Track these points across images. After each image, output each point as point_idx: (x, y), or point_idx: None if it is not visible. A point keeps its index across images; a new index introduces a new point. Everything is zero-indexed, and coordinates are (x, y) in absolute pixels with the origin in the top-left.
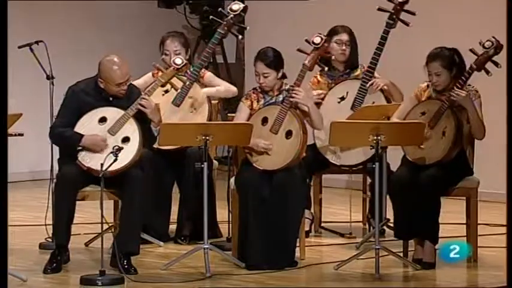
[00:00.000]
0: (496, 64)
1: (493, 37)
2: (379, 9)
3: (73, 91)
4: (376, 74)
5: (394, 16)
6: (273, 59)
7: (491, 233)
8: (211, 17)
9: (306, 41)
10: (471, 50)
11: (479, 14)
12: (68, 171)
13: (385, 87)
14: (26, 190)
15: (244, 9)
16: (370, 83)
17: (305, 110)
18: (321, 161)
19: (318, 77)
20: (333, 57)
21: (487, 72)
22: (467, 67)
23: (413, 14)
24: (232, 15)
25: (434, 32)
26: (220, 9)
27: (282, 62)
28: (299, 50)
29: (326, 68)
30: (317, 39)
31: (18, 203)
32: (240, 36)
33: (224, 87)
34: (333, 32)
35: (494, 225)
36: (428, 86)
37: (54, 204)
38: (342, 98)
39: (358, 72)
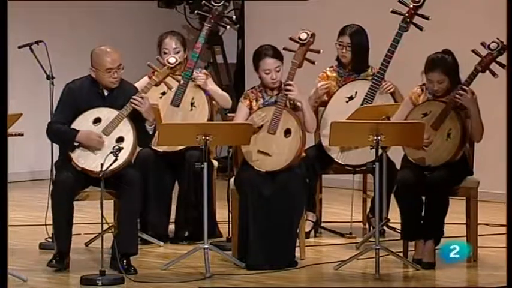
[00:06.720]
0: (502, 65)
1: (497, 38)
2: (393, 12)
3: (69, 88)
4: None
5: (408, 20)
6: (279, 53)
7: (491, 233)
8: (196, 11)
9: (291, 39)
10: (474, 51)
11: (484, 14)
12: (63, 178)
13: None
14: (26, 190)
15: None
16: (382, 85)
17: (298, 107)
18: (325, 159)
19: (328, 72)
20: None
21: (493, 74)
22: (472, 68)
23: (427, 18)
24: (217, 7)
25: (437, 33)
26: (204, 1)
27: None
28: (285, 49)
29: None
30: (303, 35)
31: (18, 203)
32: (227, 27)
33: (223, 92)
34: (339, 32)
35: (494, 225)
36: (422, 90)
37: (53, 212)
38: (350, 98)
39: (368, 73)
